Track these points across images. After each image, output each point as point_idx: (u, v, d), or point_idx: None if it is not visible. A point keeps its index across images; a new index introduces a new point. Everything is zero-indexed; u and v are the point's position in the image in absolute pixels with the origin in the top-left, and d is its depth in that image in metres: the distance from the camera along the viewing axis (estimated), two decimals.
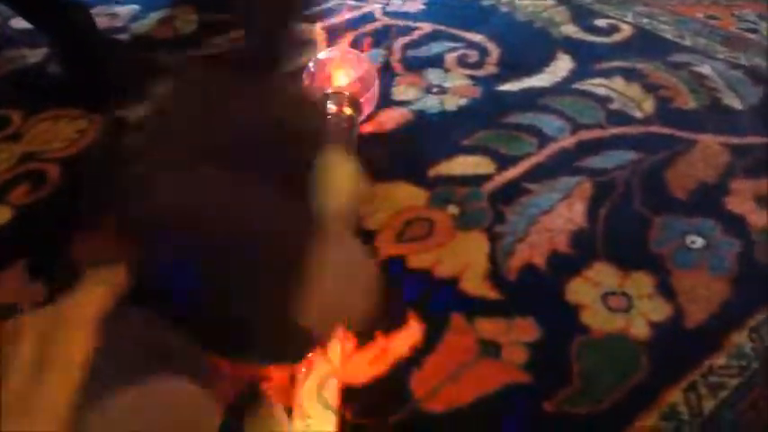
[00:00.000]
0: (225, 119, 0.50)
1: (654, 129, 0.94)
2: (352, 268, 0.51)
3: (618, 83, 1.03)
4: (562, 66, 1.08)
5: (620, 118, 0.96)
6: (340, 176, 0.55)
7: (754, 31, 1.15)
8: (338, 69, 1.02)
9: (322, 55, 1.04)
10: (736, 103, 0.98)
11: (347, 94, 0.97)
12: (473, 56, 1.11)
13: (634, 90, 1.01)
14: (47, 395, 0.36)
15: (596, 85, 1.02)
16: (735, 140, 0.91)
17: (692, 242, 0.77)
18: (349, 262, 0.51)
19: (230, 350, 0.47)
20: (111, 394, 0.38)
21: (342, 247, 0.51)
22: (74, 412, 0.36)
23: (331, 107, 0.95)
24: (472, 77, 1.06)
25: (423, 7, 1.25)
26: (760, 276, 0.73)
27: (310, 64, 1.02)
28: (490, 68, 1.08)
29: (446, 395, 0.63)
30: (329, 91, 0.95)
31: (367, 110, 1.00)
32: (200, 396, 0.43)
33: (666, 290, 0.72)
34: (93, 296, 0.40)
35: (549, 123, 0.95)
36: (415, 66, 1.09)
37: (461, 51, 1.12)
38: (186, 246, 0.43)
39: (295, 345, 0.50)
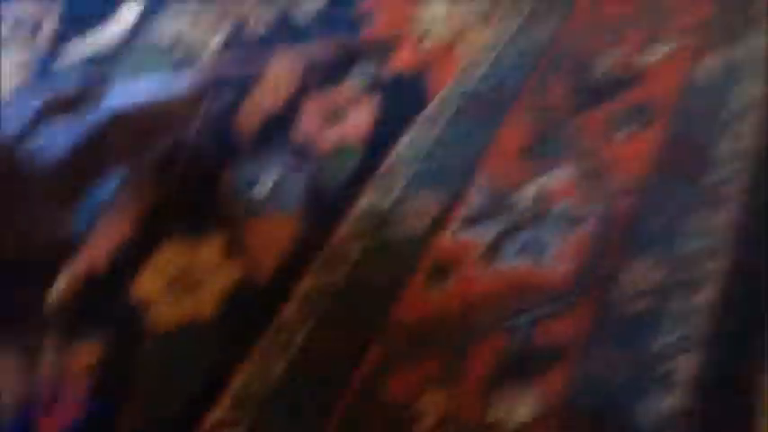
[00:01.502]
0: None
1: (222, 69, 0.88)
2: None
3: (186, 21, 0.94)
4: (128, 15, 0.97)
5: (188, 64, 0.89)
6: None
7: None
8: None
9: None
10: (304, 13, 0.94)
11: None
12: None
13: (204, 24, 0.93)
14: None
15: (163, 32, 0.94)
16: (304, 56, 0.88)
17: (262, 185, 0.74)
18: None
19: None
20: None
21: None
22: None
23: None
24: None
25: None
26: (325, 207, 0.72)
27: None
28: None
29: None
30: None
31: None
32: None
33: (237, 248, 0.68)
34: None
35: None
36: None
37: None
38: None
39: None
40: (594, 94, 0.77)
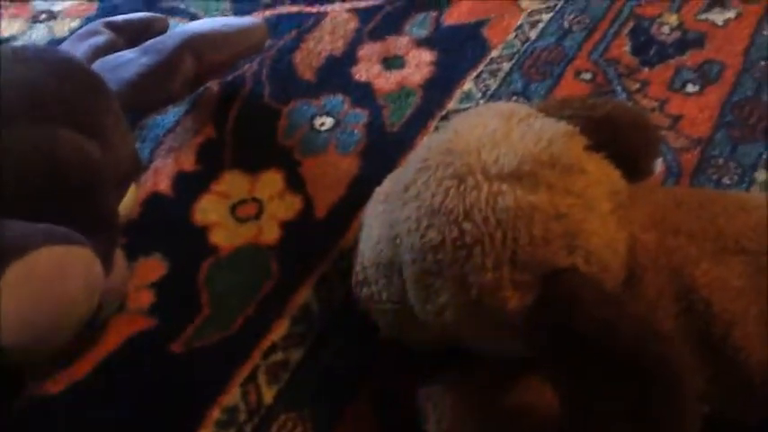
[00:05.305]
0: None
1: (281, 9, 0.88)
2: None
3: None
4: None
5: (248, 4, 0.89)
6: None
7: None
8: None
9: None
10: None
11: None
12: None
13: None
14: None
15: None
16: (362, 4, 0.88)
17: (321, 124, 0.74)
18: None
19: None
20: None
21: None
22: None
23: None
24: None
25: None
26: (385, 144, 0.72)
27: None
28: None
29: (66, 374, 0.56)
30: None
31: None
32: None
33: (296, 183, 0.69)
34: None
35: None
36: None
37: None
38: None
39: None
40: (660, 51, 0.77)
